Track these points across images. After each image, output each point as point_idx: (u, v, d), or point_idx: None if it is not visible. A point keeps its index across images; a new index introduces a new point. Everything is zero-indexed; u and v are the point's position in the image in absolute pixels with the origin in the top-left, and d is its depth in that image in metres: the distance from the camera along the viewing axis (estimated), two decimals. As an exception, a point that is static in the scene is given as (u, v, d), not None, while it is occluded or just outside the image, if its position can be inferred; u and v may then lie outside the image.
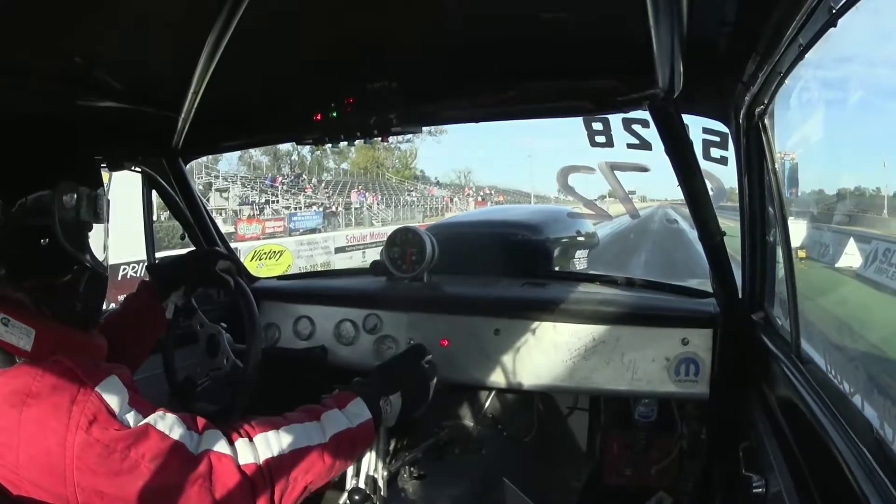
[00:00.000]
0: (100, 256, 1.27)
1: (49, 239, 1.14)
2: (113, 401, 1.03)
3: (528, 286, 2.27)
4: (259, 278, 2.65)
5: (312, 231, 25.35)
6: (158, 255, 2.26)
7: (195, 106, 1.36)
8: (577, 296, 2.11)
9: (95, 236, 1.25)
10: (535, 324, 2.03)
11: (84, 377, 1.02)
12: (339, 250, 22.56)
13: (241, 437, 1.14)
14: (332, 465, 1.22)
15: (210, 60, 1.11)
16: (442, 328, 2.12)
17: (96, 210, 1.24)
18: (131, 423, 1.03)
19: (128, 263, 11.58)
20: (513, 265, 2.51)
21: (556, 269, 2.74)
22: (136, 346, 1.62)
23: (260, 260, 15.77)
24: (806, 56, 1.12)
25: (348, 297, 2.34)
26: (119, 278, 11.40)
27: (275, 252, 16.95)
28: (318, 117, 1.73)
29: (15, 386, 1.00)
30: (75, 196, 1.18)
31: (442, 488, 2.11)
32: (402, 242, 2.34)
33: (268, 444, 1.15)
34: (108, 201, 1.32)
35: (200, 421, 1.13)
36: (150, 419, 1.05)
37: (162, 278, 1.69)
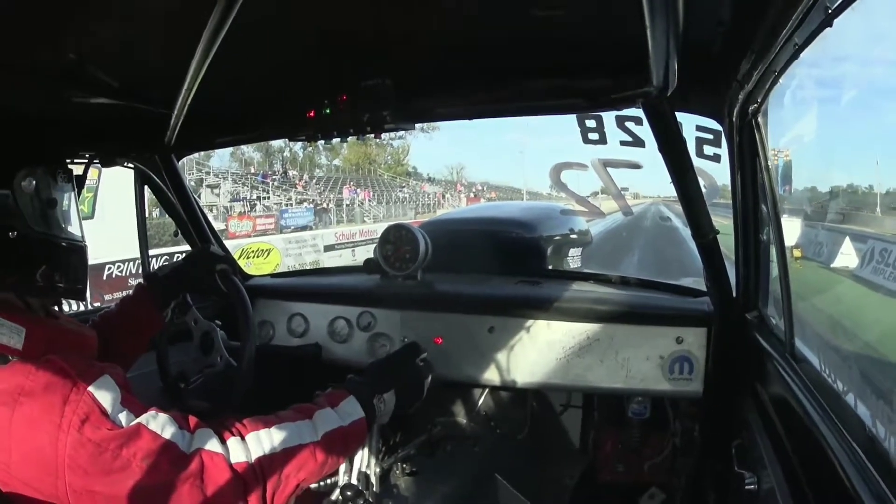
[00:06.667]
0: (73, 227, 1.27)
1: (17, 231, 1.14)
2: (105, 400, 1.03)
3: (522, 284, 2.28)
4: (253, 276, 2.64)
5: (304, 228, 25.17)
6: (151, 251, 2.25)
7: (188, 102, 1.35)
8: (572, 294, 2.12)
9: (64, 207, 1.26)
10: (529, 322, 2.03)
11: (77, 376, 1.02)
12: (328, 248, 22.34)
13: (233, 435, 1.14)
14: (324, 462, 1.23)
15: (204, 57, 1.10)
16: (436, 326, 2.11)
17: (58, 183, 1.24)
18: (123, 423, 1.03)
19: (112, 263, 11.35)
20: (507, 263, 2.51)
21: (550, 267, 2.74)
22: (132, 348, 1.62)
23: (248, 258, 15.62)
24: (801, 55, 1.13)
25: (342, 295, 2.33)
26: (104, 277, 11.25)
27: (263, 250, 16.79)
28: (312, 114, 1.72)
29: (7, 385, 0.99)
30: (33, 182, 1.18)
31: (434, 485, 2.11)
32: (396, 240, 2.33)
33: (259, 442, 1.15)
34: (72, 171, 1.32)
35: (192, 420, 1.13)
36: (143, 419, 1.06)
37: (162, 289, 1.66)
